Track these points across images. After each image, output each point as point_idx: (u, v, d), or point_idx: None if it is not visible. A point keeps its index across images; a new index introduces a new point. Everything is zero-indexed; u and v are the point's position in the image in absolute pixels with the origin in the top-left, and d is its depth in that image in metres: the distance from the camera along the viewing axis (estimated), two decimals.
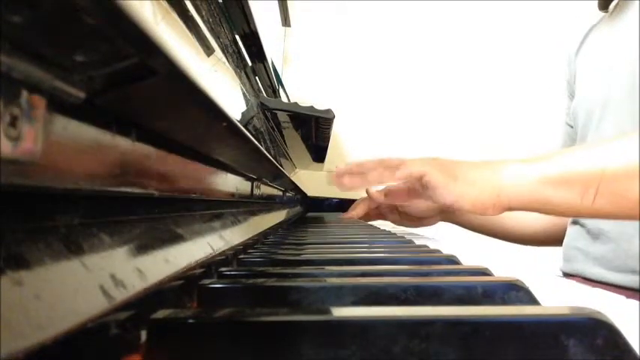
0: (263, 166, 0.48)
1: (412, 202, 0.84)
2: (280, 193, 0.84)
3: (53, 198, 0.15)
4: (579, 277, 0.76)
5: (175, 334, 0.18)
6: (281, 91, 1.03)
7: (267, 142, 0.65)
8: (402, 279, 0.27)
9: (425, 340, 0.17)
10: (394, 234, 0.69)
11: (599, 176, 0.52)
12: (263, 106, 0.70)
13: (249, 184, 0.50)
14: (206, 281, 0.27)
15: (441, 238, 0.77)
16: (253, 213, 0.54)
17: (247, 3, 0.57)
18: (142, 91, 0.16)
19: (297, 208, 1.20)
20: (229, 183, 0.40)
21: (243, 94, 0.57)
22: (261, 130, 0.63)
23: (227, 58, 0.50)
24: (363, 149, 1.66)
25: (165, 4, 0.28)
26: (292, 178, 0.85)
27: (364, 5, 1.67)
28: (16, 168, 0.12)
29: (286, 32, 1.58)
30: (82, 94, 0.14)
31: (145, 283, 0.19)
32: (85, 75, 0.14)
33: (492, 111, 1.69)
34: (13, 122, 0.11)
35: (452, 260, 0.38)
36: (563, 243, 0.83)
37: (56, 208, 0.16)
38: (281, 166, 0.63)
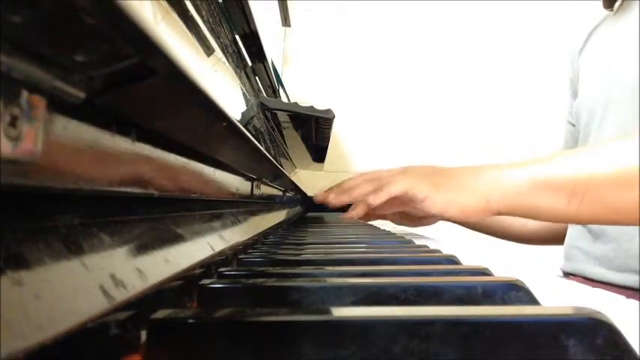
0: (263, 166, 0.47)
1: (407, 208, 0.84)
2: (280, 193, 0.84)
3: (53, 198, 0.15)
4: (580, 276, 0.76)
5: (175, 334, 0.18)
6: (281, 91, 1.02)
7: (267, 142, 0.65)
8: (402, 279, 0.27)
9: (425, 340, 0.17)
10: (394, 234, 0.69)
11: (585, 183, 0.53)
12: (263, 106, 0.70)
13: (249, 184, 0.50)
14: (206, 281, 0.27)
15: (440, 238, 0.77)
16: (253, 213, 0.54)
17: (247, 3, 0.57)
18: (142, 91, 0.16)
19: (297, 208, 1.20)
20: (229, 183, 0.40)
21: (243, 94, 0.57)
22: (261, 130, 0.63)
23: (227, 58, 0.50)
24: (363, 149, 1.66)
25: (165, 4, 0.28)
26: (292, 178, 0.85)
27: (364, 5, 1.67)
28: (16, 168, 0.12)
29: (286, 32, 1.58)
30: (82, 94, 0.14)
31: (145, 283, 0.19)
32: (85, 75, 0.14)
33: (492, 111, 1.68)
34: (13, 122, 0.11)
35: (452, 260, 0.38)
36: (565, 242, 0.84)
37: (56, 208, 0.16)
38: (281, 166, 0.63)
